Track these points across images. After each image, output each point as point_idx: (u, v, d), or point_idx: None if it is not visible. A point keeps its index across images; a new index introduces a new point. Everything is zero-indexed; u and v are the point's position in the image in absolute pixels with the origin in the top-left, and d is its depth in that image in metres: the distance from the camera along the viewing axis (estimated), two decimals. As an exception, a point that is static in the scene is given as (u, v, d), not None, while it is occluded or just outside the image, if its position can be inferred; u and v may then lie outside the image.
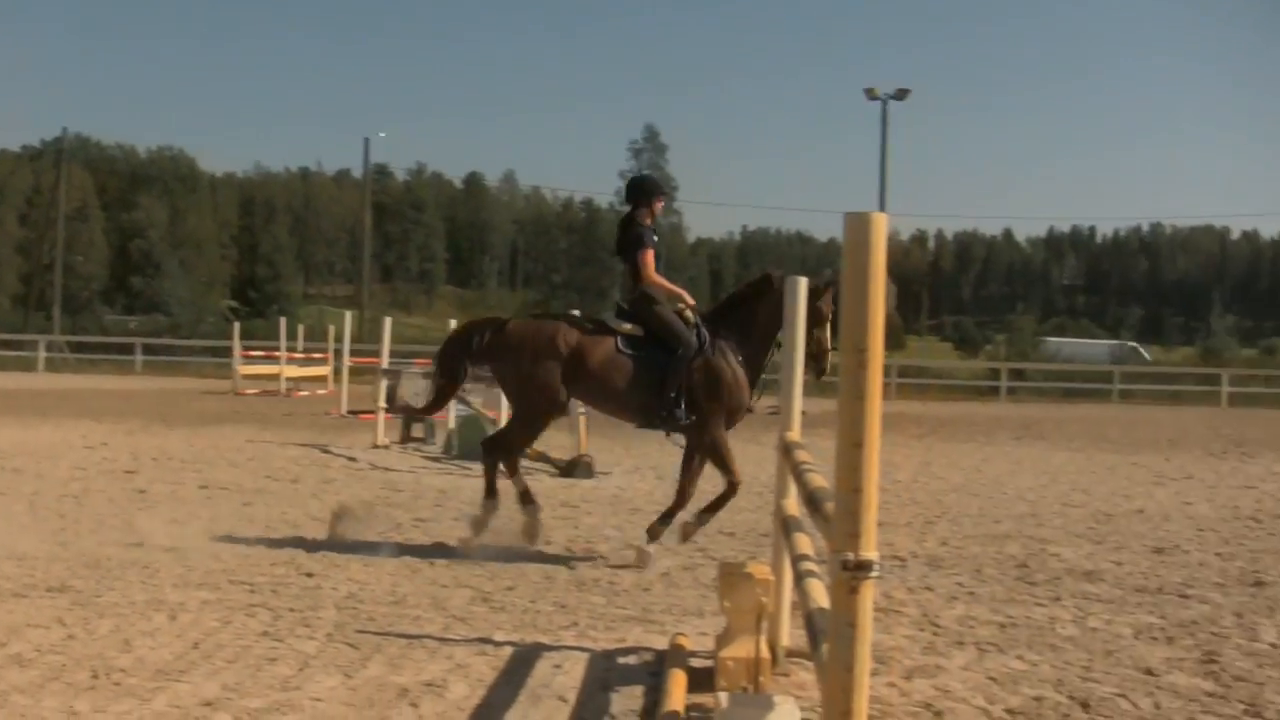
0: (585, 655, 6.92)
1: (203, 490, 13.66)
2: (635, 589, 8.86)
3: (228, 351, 41.80)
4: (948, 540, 11.40)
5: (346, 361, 27.04)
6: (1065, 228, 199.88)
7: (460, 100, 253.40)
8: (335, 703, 5.92)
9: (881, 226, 3.33)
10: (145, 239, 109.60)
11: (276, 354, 37.68)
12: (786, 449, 6.15)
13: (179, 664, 6.52)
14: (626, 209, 10.82)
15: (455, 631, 7.44)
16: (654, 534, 10.15)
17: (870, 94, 54.93)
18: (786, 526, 5.85)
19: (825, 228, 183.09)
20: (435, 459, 17.98)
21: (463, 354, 10.61)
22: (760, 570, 6.09)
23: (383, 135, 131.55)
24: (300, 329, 42.59)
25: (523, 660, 6.79)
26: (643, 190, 10.70)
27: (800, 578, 4.85)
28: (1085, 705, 6.10)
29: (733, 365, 10.15)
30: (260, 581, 8.76)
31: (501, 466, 10.56)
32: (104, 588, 8.40)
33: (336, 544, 10.25)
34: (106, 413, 25.80)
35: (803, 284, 6.99)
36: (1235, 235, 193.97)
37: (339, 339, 28.88)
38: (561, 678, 6.44)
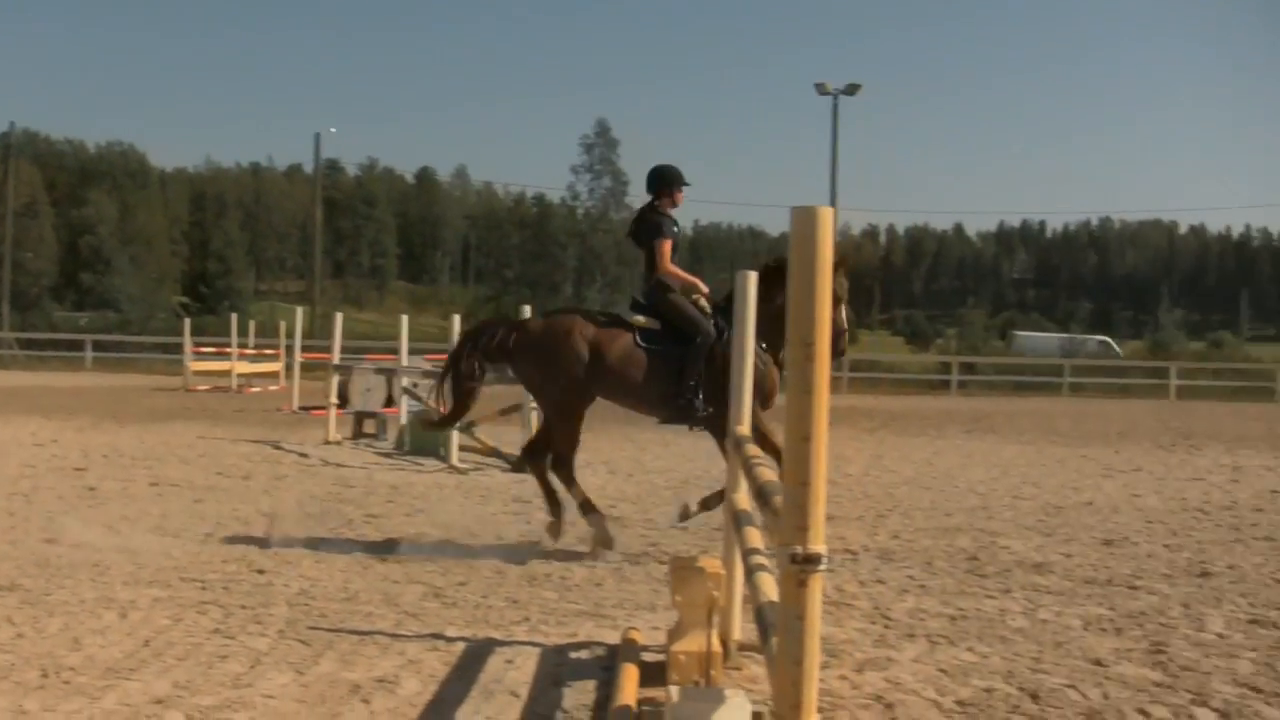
0: (537, 650, 6.92)
1: (153, 487, 13.57)
2: (587, 583, 8.86)
3: (179, 348, 41.58)
4: (899, 533, 11.44)
5: (298, 357, 26.94)
6: (1015, 222, 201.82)
7: (411, 95, 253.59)
8: (287, 699, 5.89)
9: (828, 220, 3.34)
10: (95, 235, 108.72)
11: (228, 350, 37.51)
12: (737, 443, 6.16)
13: (129, 662, 6.48)
14: (647, 198, 10.73)
15: (407, 627, 7.42)
16: (706, 505, 10.52)
17: (821, 89, 55.01)
18: (737, 520, 5.86)
19: (777, 223, 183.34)
20: (387, 455, 17.93)
21: (477, 353, 10.56)
22: (712, 564, 6.10)
23: (334, 130, 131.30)
24: (251, 325, 42.44)
25: (475, 656, 6.78)
26: (664, 180, 10.64)
27: (751, 571, 4.86)
28: (1035, 696, 6.13)
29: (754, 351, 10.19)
30: (212, 578, 8.72)
31: (557, 481, 10.59)
32: (54, 586, 8.34)
33: (288, 541, 10.21)
34: (56, 410, 25.61)
35: (752, 278, 7.01)
36: (1183, 230, 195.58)
37: (290, 335, 28.82)
38: (513, 673, 6.43)
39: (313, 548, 9.99)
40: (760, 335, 10.38)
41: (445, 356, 16.86)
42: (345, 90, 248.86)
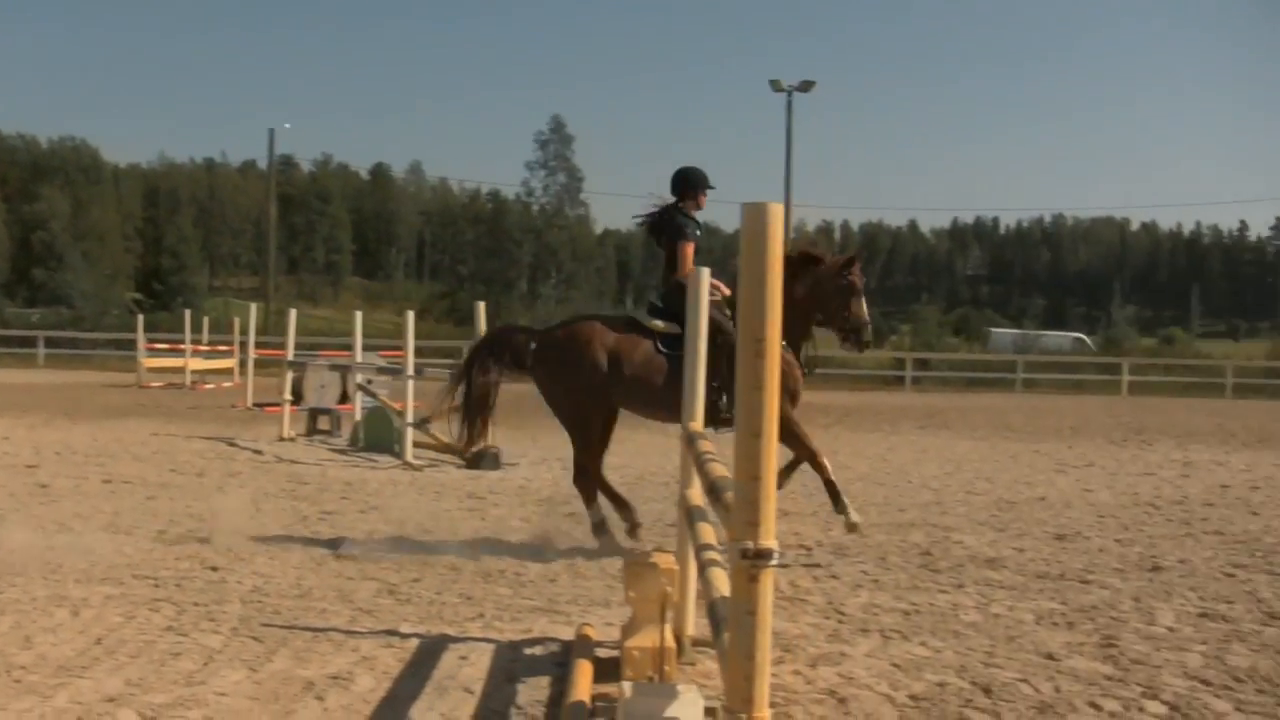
0: (491, 646, 6.92)
1: (106, 484, 13.50)
2: (542, 580, 8.86)
3: (132, 344, 41.29)
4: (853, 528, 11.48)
5: (252, 354, 26.89)
6: (969, 219, 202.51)
7: (366, 91, 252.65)
8: (240, 697, 5.87)
9: (778, 216, 3.36)
10: (47, 231, 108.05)
11: (182, 347, 37.26)
12: (689, 439, 6.18)
13: (81, 660, 6.45)
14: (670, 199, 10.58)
15: (361, 624, 7.41)
16: (842, 510, 10.32)
17: (775, 86, 55.11)
18: (690, 516, 5.88)
19: (732, 220, 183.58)
20: (341, 451, 17.89)
21: (492, 360, 10.52)
22: (665, 560, 6.11)
23: (288, 126, 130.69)
24: (205, 321, 42.34)
25: (429, 652, 6.77)
26: (689, 182, 10.54)
27: (704, 567, 4.87)
28: (987, 690, 6.17)
29: None
30: (165, 576, 8.68)
31: (578, 492, 10.52)
32: (4, 584, 8.27)
33: (241, 537, 10.17)
34: (8, 407, 25.39)
35: (705, 274, 7.02)
36: (1135, 227, 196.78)
37: (244, 331, 28.72)
38: (467, 669, 6.43)
39: (266, 544, 9.95)
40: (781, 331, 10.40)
41: (401, 354, 16.84)
42: (300, 86, 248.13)
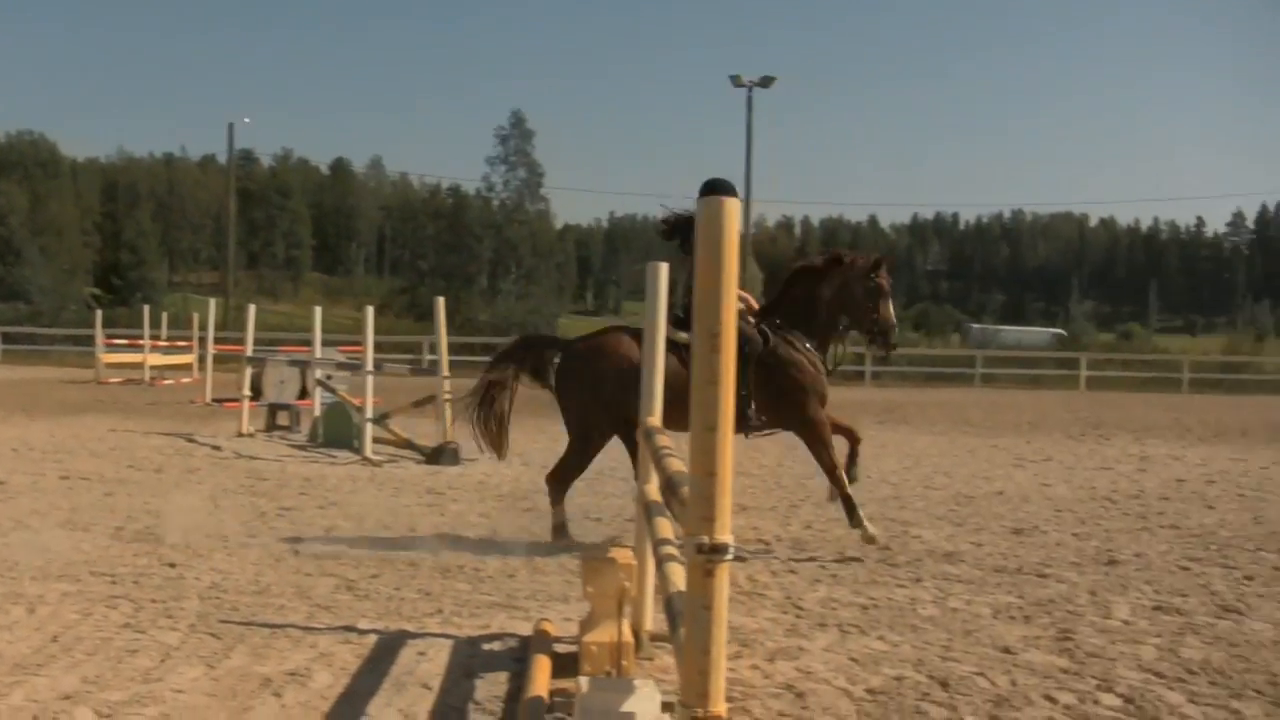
0: (449, 642, 6.91)
1: (64, 481, 13.43)
2: (500, 575, 8.84)
3: (90, 340, 40.96)
4: (811, 524, 11.52)
5: (211, 349, 26.80)
6: (929, 214, 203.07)
7: (326, 86, 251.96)
8: (197, 694, 5.85)
9: (734, 209, 3.36)
10: (5, 225, 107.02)
11: (140, 342, 37.05)
12: (646, 434, 6.18)
13: (37, 657, 6.40)
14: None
15: (319, 620, 7.39)
16: (858, 525, 10.30)
17: (736, 81, 55.24)
18: (648, 511, 5.88)
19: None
20: (300, 447, 17.83)
21: (513, 368, 10.52)
22: (623, 555, 6.11)
23: (247, 121, 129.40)
24: (164, 317, 42.09)
25: (387, 648, 6.76)
26: (717, 192, 10.52)
27: (662, 562, 4.88)
28: (944, 684, 6.19)
29: (804, 351, 10.22)
30: (122, 572, 8.64)
31: (548, 490, 10.46)
32: (-41, 581, 8.25)
33: (199, 534, 10.13)
34: (-37, 403, 25.28)
35: (663, 269, 7.02)
36: (1093, 223, 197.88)
37: (204, 327, 28.68)
38: (426, 665, 6.42)
39: (224, 541, 9.92)
40: (808, 334, 10.44)
41: (361, 349, 16.79)
42: (260, 80, 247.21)
